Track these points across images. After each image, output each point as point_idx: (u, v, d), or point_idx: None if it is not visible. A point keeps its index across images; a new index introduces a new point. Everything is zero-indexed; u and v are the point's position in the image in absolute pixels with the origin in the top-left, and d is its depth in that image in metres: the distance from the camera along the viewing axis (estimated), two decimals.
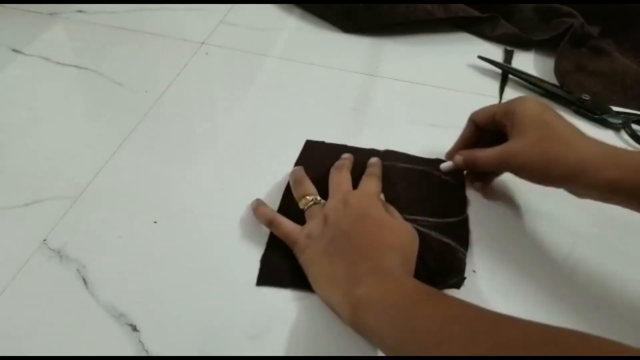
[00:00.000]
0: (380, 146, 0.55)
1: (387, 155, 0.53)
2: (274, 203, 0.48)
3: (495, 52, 0.70)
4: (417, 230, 0.43)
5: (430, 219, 0.47)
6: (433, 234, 0.46)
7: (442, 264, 0.43)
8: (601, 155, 0.40)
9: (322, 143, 0.55)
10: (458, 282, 0.43)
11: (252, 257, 0.44)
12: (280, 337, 0.39)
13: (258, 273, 0.43)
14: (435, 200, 0.49)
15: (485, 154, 0.45)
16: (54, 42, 0.68)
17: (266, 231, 0.46)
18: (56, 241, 0.45)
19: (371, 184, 0.47)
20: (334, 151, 0.52)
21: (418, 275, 0.40)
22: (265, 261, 0.44)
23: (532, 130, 0.42)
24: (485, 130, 0.48)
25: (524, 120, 0.43)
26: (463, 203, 0.50)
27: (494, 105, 0.47)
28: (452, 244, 0.45)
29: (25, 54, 0.66)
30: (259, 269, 0.43)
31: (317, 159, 0.52)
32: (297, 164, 0.52)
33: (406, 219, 0.44)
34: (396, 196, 0.48)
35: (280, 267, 0.43)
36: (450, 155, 0.51)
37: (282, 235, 0.44)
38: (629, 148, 0.57)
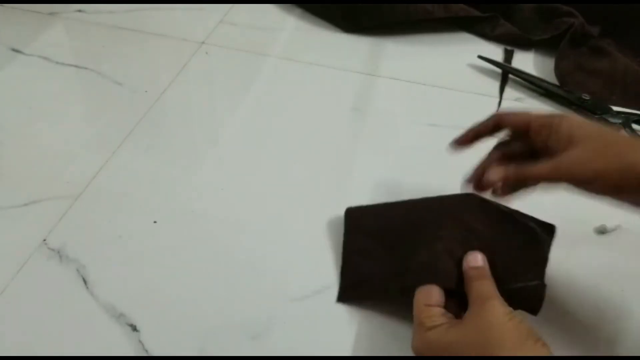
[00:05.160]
0: (380, 147, 0.54)
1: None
2: (272, 203, 0.48)
3: (495, 52, 0.70)
4: None
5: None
6: None
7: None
8: None
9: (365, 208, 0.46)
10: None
11: (251, 256, 0.44)
12: (281, 338, 0.39)
13: (339, 289, 0.42)
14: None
15: (541, 167, 0.38)
16: (54, 42, 0.68)
17: (273, 231, 0.46)
18: (56, 241, 0.45)
19: None
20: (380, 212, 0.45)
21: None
22: (345, 274, 0.42)
23: (590, 140, 0.38)
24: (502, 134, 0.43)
25: (575, 132, 0.38)
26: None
27: (527, 113, 0.41)
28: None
29: (25, 53, 0.66)
30: (339, 285, 0.42)
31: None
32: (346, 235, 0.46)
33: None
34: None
35: (362, 278, 0.41)
36: (480, 170, 0.42)
37: None
38: None
